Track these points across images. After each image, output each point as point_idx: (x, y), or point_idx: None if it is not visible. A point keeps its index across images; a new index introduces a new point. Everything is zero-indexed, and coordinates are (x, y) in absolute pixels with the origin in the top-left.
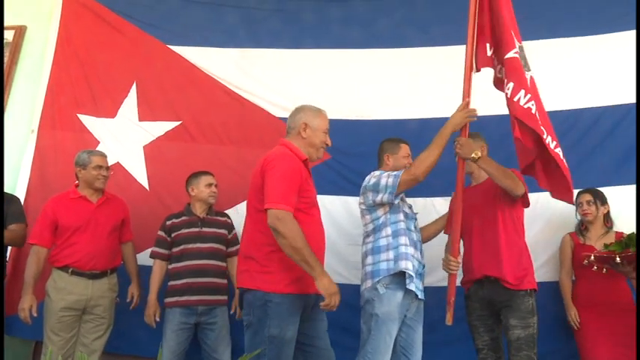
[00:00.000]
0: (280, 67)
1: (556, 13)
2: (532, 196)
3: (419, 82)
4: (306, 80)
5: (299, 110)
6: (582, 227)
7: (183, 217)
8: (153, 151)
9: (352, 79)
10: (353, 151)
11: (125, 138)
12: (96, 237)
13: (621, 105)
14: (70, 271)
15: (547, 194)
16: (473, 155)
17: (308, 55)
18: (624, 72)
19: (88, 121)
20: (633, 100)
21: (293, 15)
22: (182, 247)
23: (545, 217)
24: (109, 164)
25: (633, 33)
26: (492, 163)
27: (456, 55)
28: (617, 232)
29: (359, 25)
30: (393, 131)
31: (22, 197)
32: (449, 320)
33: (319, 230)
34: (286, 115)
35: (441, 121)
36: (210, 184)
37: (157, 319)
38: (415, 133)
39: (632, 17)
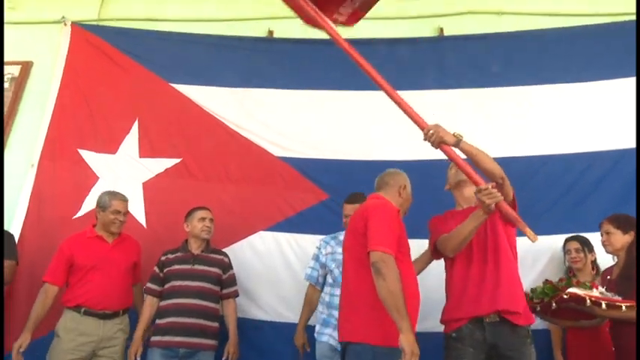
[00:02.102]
0: (281, 107)
1: (551, 60)
2: (522, 243)
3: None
4: (306, 120)
5: (399, 172)
6: (570, 274)
7: (178, 253)
8: (152, 188)
9: (351, 120)
10: (349, 191)
11: (125, 174)
12: (110, 276)
13: (613, 150)
14: (82, 310)
15: (538, 243)
16: (456, 136)
17: (309, 95)
18: (617, 118)
19: (88, 156)
20: (624, 145)
21: (295, 56)
22: (171, 283)
23: (537, 266)
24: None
25: (626, 80)
26: (474, 146)
27: (451, 98)
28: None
29: (355, 68)
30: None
31: (17, 232)
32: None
33: (415, 283)
34: (285, 154)
35: (440, 163)
36: (203, 219)
37: (138, 359)
38: (413, 174)
39: (624, 65)
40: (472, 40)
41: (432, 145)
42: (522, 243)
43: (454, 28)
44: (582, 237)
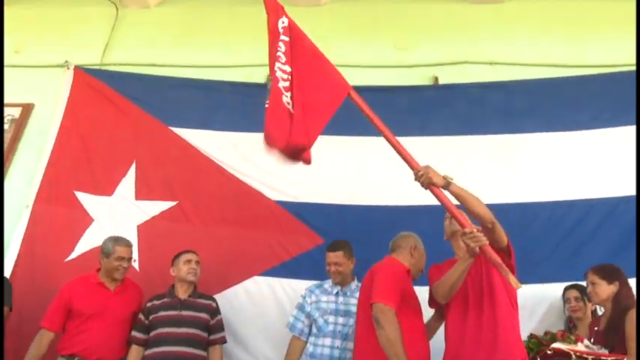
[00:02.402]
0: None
1: (546, 108)
2: (521, 291)
3: (409, 170)
4: (301, 165)
5: (410, 235)
6: (571, 324)
7: (164, 299)
8: (147, 231)
9: (348, 166)
10: (345, 236)
11: (120, 217)
12: (108, 326)
13: (610, 198)
14: None
15: (537, 291)
16: (446, 179)
17: None
18: (614, 165)
19: (84, 198)
20: (622, 193)
21: None
22: (158, 330)
23: (536, 314)
24: (100, 244)
25: (623, 129)
26: (464, 189)
27: (447, 145)
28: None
29: (353, 113)
30: (385, 217)
31: (8, 273)
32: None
33: (422, 337)
34: (281, 198)
35: (432, 209)
36: (189, 261)
37: None
38: (410, 220)
39: (621, 114)
40: (466, 88)
41: (422, 186)
42: (522, 291)
43: (449, 77)
44: (581, 285)
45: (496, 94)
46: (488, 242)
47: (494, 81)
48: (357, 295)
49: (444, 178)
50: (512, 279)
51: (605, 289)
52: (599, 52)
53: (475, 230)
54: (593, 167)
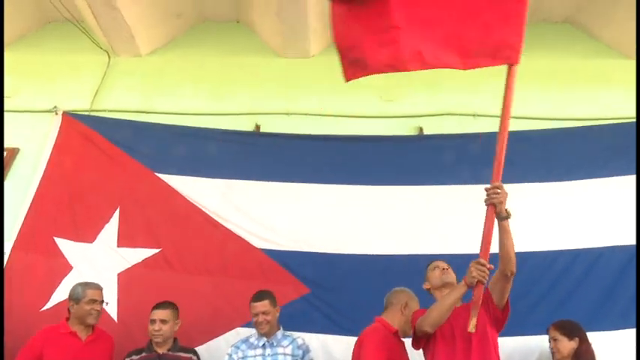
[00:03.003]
0: (265, 199)
1: (529, 159)
2: (509, 342)
3: (398, 218)
4: (290, 213)
5: (402, 291)
6: None
7: (143, 354)
8: (127, 280)
9: (335, 214)
10: (332, 286)
11: (100, 264)
12: None
13: (594, 248)
14: None
15: (524, 343)
16: (507, 210)
17: (292, 188)
18: (597, 216)
19: (64, 245)
20: (605, 243)
21: (280, 150)
22: None
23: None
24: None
25: (607, 180)
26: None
27: (431, 194)
28: None
29: (339, 163)
30: (372, 266)
31: None
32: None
33: None
34: (267, 246)
35: (420, 258)
36: (153, 321)
37: None
38: (396, 268)
39: (603, 166)
40: (450, 139)
41: (486, 201)
42: (509, 342)
43: (433, 127)
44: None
45: (478, 145)
46: (485, 281)
47: (476, 132)
48: (284, 344)
49: (507, 210)
50: (472, 322)
51: (566, 345)
52: (578, 106)
53: (487, 264)
54: (576, 217)
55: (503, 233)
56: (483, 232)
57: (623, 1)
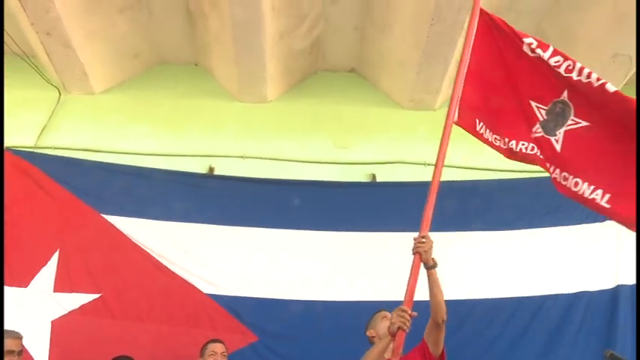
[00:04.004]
0: (214, 243)
1: (481, 209)
2: None
3: (349, 264)
4: (240, 257)
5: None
6: None
7: None
8: (62, 328)
9: (285, 259)
10: (281, 333)
11: (33, 311)
12: None
13: (537, 296)
14: None
15: None
16: (433, 259)
17: (243, 232)
18: (540, 264)
19: None
20: (547, 292)
21: (233, 194)
22: None
23: None
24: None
25: (547, 230)
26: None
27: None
28: None
29: (292, 207)
30: (322, 313)
31: None
32: None
33: None
34: (215, 292)
35: (369, 305)
36: None
37: None
38: (345, 314)
39: (545, 217)
40: (402, 187)
41: (413, 250)
42: None
43: (386, 175)
44: None
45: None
46: (407, 329)
47: (427, 180)
48: None
49: (433, 259)
50: None
51: None
52: None
53: (409, 312)
54: (521, 266)
55: (432, 282)
56: (408, 280)
57: None
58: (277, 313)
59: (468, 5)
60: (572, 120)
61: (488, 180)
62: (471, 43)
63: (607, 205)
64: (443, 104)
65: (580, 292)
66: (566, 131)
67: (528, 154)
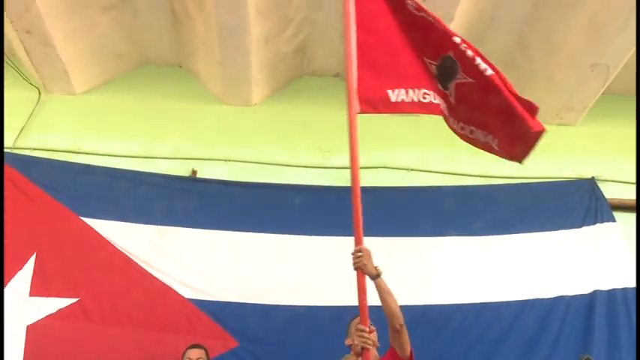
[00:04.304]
0: (196, 247)
1: (465, 214)
2: None
3: (332, 269)
4: (221, 262)
5: None
6: None
7: None
8: (38, 332)
9: (267, 264)
10: (262, 339)
11: (8, 315)
12: None
13: (517, 301)
14: None
15: None
16: (377, 268)
17: (225, 236)
18: (520, 270)
19: None
20: (526, 296)
21: (216, 197)
22: None
23: None
24: None
25: (529, 235)
26: (387, 286)
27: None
28: None
29: (275, 211)
30: (303, 319)
31: None
32: None
33: None
34: (196, 296)
35: (352, 310)
36: None
37: None
38: (328, 320)
39: (528, 222)
40: (385, 192)
41: (353, 266)
42: None
43: (369, 180)
44: None
45: (413, 198)
46: (371, 346)
47: (410, 186)
48: None
49: (376, 269)
50: None
51: None
52: (496, 166)
53: (367, 330)
54: (500, 271)
55: (381, 291)
56: (358, 297)
57: (540, 74)
58: (259, 318)
59: (451, 13)
60: (461, 75)
61: (464, 186)
62: (353, 18)
63: (497, 148)
64: None
65: (558, 296)
66: (456, 84)
67: (434, 103)
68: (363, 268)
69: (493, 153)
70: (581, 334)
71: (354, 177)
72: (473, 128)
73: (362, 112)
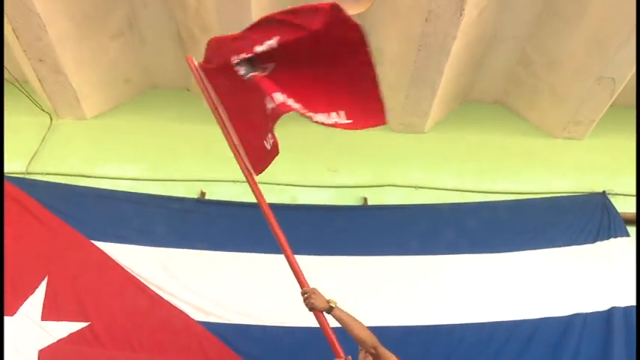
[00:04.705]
0: (206, 269)
1: (476, 231)
2: None
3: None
4: (232, 284)
5: None
6: None
7: None
8: (49, 357)
9: (279, 285)
10: None
11: (20, 340)
12: None
13: (531, 320)
14: None
15: None
16: (329, 303)
17: (236, 258)
18: (535, 287)
19: None
20: (542, 315)
21: (226, 219)
22: None
23: None
24: None
25: (544, 252)
26: (347, 313)
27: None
28: None
29: (284, 232)
30: (317, 340)
31: None
32: None
33: None
34: (207, 319)
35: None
36: None
37: None
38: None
39: (540, 238)
40: (393, 210)
41: (306, 308)
42: None
43: (377, 198)
44: None
45: (421, 216)
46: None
47: (419, 204)
48: None
49: (328, 302)
50: None
51: None
52: (509, 181)
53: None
54: (513, 289)
55: (341, 322)
56: (326, 335)
57: (545, 89)
58: (271, 341)
59: (453, 32)
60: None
61: (477, 203)
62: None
63: (349, 121)
64: (433, 127)
65: (574, 314)
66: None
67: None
68: (313, 307)
69: (347, 128)
70: (600, 351)
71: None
72: (311, 114)
73: (260, 171)
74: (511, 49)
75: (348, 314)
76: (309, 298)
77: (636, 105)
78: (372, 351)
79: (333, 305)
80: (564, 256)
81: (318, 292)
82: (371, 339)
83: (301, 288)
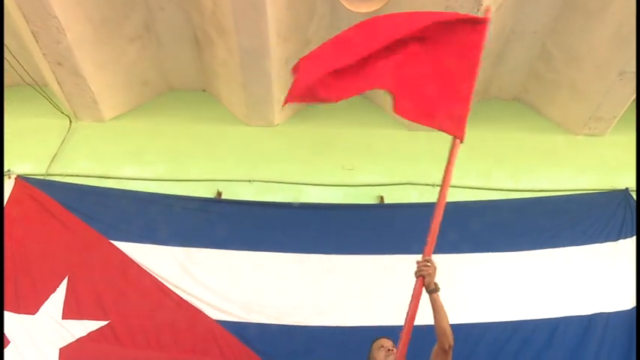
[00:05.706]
0: (222, 268)
1: (492, 230)
2: None
3: (357, 288)
4: (248, 282)
5: None
6: None
7: None
8: (70, 355)
9: (294, 284)
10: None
11: (41, 338)
12: None
13: (552, 318)
14: None
15: None
16: (435, 283)
17: (252, 257)
18: (554, 286)
19: (5, 317)
20: (562, 314)
21: (242, 218)
22: None
23: None
24: None
25: (564, 250)
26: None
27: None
28: None
29: (300, 231)
30: (332, 339)
31: None
32: None
33: None
34: (224, 317)
35: (381, 330)
36: None
37: None
38: (357, 340)
39: (561, 236)
40: (409, 208)
41: (416, 274)
42: None
43: (393, 197)
44: None
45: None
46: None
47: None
48: None
49: (436, 284)
50: None
51: None
52: (530, 179)
53: (427, 260)
54: (534, 288)
55: (435, 307)
56: (410, 304)
57: (565, 85)
58: (285, 339)
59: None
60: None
61: (498, 200)
62: None
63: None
64: None
65: (596, 313)
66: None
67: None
68: (426, 276)
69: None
70: (624, 351)
71: (442, 194)
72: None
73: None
74: (530, 45)
75: (443, 305)
76: (428, 268)
77: (636, 105)
78: (447, 347)
79: (439, 289)
80: (586, 254)
81: (435, 271)
82: (451, 336)
83: (426, 254)
